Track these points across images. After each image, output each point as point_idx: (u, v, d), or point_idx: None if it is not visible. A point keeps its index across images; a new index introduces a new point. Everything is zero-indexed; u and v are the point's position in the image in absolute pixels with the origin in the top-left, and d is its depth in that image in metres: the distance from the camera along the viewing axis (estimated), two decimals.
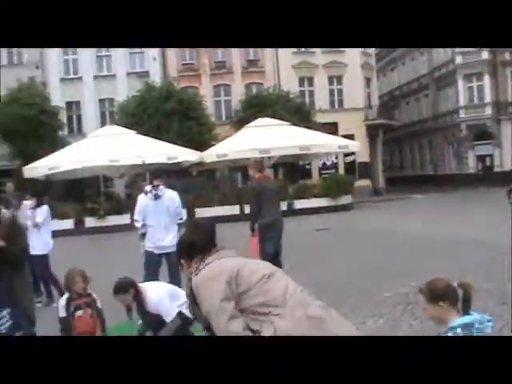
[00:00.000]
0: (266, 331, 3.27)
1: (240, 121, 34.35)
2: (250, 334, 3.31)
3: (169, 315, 6.44)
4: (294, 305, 3.40)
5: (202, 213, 26.21)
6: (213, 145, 31.36)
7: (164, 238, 8.70)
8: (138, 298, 6.76)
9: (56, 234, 21.90)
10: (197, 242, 3.80)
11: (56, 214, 24.61)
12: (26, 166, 27.24)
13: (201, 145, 30.68)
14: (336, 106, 41.78)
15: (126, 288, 6.76)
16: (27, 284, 5.13)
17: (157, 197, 8.67)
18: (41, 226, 10.41)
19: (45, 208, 10.72)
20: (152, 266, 8.74)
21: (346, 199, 28.66)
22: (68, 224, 26.03)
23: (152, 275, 8.45)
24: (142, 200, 8.83)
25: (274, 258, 9.05)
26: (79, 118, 40.00)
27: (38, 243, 10.33)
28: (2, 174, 31.97)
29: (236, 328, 3.33)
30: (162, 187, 8.77)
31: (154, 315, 6.67)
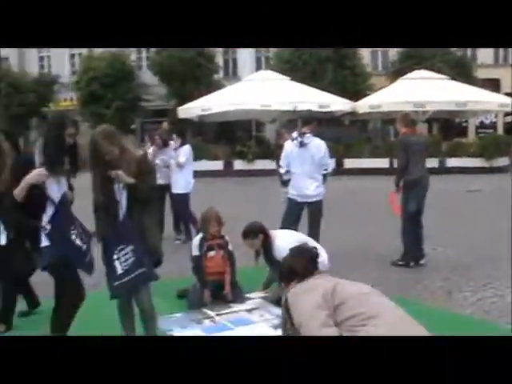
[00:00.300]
0: None
1: (396, 72, 33.33)
2: None
3: None
4: (394, 319, 3.35)
5: (351, 164, 25.96)
6: (367, 95, 30.75)
7: (308, 186, 8.54)
8: (267, 244, 6.74)
9: (205, 175, 22.67)
10: (297, 268, 3.92)
11: (207, 155, 25.40)
12: (181, 107, 28.00)
13: (354, 94, 30.17)
14: (500, 61, 39.54)
15: (255, 233, 6.78)
16: (156, 222, 5.17)
17: (302, 144, 8.50)
18: (183, 166, 10.62)
19: (187, 148, 10.89)
20: (293, 213, 8.66)
21: (502, 161, 27.18)
22: (217, 165, 26.61)
23: (291, 223, 8.38)
24: (288, 146, 8.71)
25: (415, 216, 8.74)
26: (235, 61, 40.39)
27: (180, 182, 10.67)
28: (159, 113, 33.19)
29: (328, 335, 3.25)
30: (308, 135, 8.58)
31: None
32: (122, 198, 4.94)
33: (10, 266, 6.09)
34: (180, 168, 10.60)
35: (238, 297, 6.89)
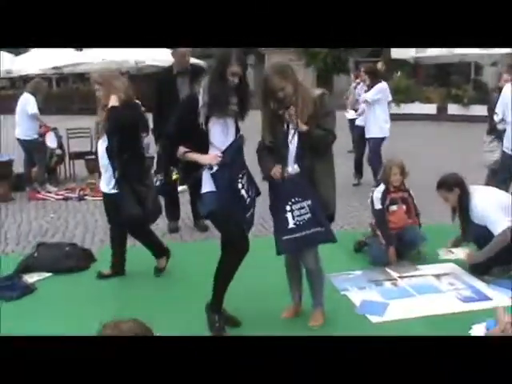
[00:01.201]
0: None
1: None
2: None
3: (494, 229, 5.46)
4: None
5: None
6: None
7: None
8: (463, 200, 5.84)
9: (418, 118, 21.76)
10: None
11: (420, 98, 24.66)
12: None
13: None
14: None
15: (449, 185, 5.90)
16: (331, 173, 4.50)
17: None
18: (371, 106, 9.75)
19: (379, 86, 9.85)
20: (504, 169, 7.50)
21: None
22: (431, 109, 25.46)
23: (501, 181, 7.27)
24: (507, 91, 7.52)
25: None
26: None
27: (371, 125, 9.86)
28: (374, 53, 32.35)
29: None
30: None
31: (477, 225, 5.75)
32: (293, 142, 4.38)
33: (122, 213, 5.72)
34: (368, 108, 9.80)
35: (424, 258, 6.21)
